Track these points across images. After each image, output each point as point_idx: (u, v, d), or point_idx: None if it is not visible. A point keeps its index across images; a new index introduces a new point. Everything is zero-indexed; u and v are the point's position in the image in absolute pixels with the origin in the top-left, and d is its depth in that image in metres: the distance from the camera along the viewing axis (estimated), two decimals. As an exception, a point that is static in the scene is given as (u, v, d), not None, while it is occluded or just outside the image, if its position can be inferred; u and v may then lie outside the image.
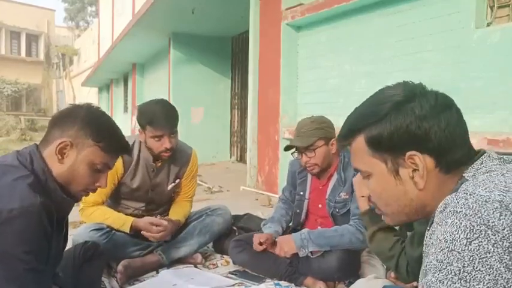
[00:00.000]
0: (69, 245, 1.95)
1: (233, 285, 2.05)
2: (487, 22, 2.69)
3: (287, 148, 2.10)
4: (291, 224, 2.32)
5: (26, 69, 23.82)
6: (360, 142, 0.83)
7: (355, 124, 0.84)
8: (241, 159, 7.39)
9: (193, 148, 2.40)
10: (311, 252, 1.96)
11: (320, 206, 2.16)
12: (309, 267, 2.00)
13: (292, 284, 2.02)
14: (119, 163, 2.11)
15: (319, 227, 2.11)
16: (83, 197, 2.13)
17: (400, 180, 0.80)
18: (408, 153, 0.77)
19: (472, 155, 0.79)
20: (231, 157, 7.89)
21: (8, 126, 16.85)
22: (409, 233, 1.39)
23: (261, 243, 2.06)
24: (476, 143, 2.38)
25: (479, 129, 2.55)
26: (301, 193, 2.21)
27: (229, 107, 7.94)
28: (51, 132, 1.24)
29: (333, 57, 3.95)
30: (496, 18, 2.67)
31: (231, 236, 2.42)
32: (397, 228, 1.50)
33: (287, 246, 1.99)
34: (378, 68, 3.42)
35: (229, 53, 7.83)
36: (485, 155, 0.78)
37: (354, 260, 2.02)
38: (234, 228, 2.54)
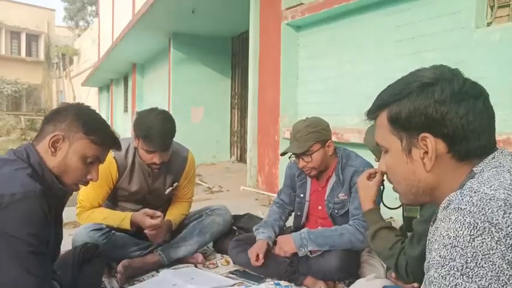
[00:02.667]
0: (68, 246, 1.96)
1: (233, 285, 2.05)
2: (487, 22, 2.70)
3: (283, 154, 2.10)
4: (290, 225, 2.33)
5: (26, 69, 23.82)
6: (383, 117, 0.85)
7: (382, 100, 0.86)
8: (241, 159, 7.39)
9: (190, 149, 2.38)
10: (310, 251, 1.96)
11: (320, 207, 2.16)
12: (309, 267, 2.00)
13: (292, 284, 2.02)
14: (113, 167, 2.11)
15: (319, 227, 2.11)
16: (79, 202, 2.14)
17: (411, 160, 0.81)
18: (421, 135, 0.78)
19: (489, 149, 0.79)
20: (231, 157, 7.89)
21: (8, 126, 16.86)
22: (409, 234, 1.39)
23: (257, 258, 2.04)
24: (476, 143, 2.38)
25: (479, 129, 2.55)
26: (302, 195, 2.21)
27: (229, 107, 7.94)
28: (44, 128, 1.30)
29: (333, 57, 3.95)
30: (496, 18, 2.67)
31: (231, 236, 2.42)
32: (398, 228, 1.50)
33: (286, 246, 1.99)
34: (378, 67, 3.42)
35: (229, 53, 7.83)
36: (498, 150, 0.78)
37: (354, 260, 2.02)
38: (234, 228, 2.54)
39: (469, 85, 0.79)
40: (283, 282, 2.03)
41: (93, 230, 2.04)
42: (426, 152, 0.78)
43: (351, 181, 2.03)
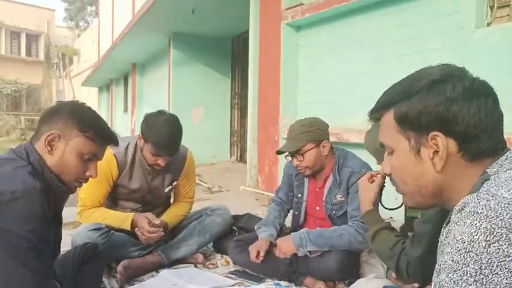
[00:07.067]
0: (68, 245, 1.96)
1: (233, 285, 2.05)
2: (487, 22, 2.69)
3: (278, 152, 2.11)
4: (289, 226, 2.32)
5: (26, 69, 23.82)
6: (389, 117, 0.82)
7: (388, 99, 0.83)
8: (241, 159, 7.39)
9: (189, 148, 2.37)
10: (309, 251, 1.96)
11: (317, 208, 2.15)
12: (308, 267, 2.00)
13: (292, 284, 2.02)
14: (113, 164, 2.11)
15: (317, 228, 2.11)
16: (81, 200, 2.14)
17: (420, 160, 0.78)
18: (432, 134, 0.75)
19: (499, 148, 0.76)
20: (231, 157, 7.89)
21: (8, 126, 16.88)
22: (410, 234, 1.39)
23: (258, 255, 2.04)
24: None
25: (479, 129, 2.55)
26: (299, 195, 2.21)
27: (229, 107, 7.94)
28: (40, 128, 1.30)
29: (333, 57, 3.95)
30: (496, 18, 2.67)
31: (231, 236, 2.41)
32: (398, 228, 1.50)
33: (286, 247, 1.98)
34: (378, 68, 3.42)
35: (229, 53, 7.83)
36: (510, 151, 0.75)
37: (354, 260, 2.02)
38: (234, 228, 2.53)
39: (478, 83, 0.77)
40: (283, 282, 2.03)
41: (92, 229, 2.03)
42: (436, 152, 0.75)
43: (348, 182, 2.02)
